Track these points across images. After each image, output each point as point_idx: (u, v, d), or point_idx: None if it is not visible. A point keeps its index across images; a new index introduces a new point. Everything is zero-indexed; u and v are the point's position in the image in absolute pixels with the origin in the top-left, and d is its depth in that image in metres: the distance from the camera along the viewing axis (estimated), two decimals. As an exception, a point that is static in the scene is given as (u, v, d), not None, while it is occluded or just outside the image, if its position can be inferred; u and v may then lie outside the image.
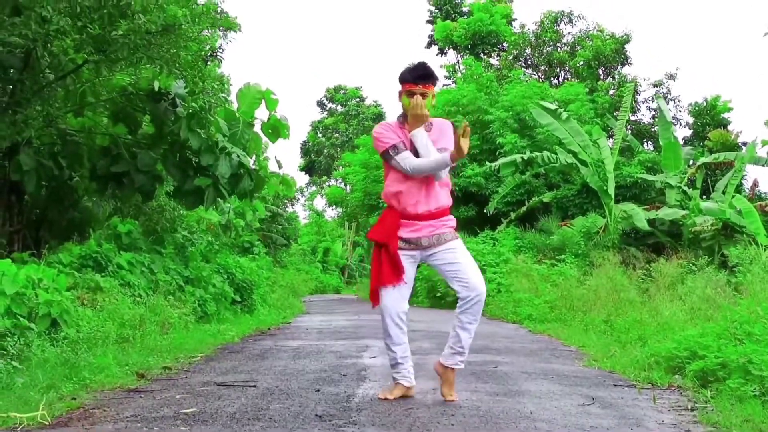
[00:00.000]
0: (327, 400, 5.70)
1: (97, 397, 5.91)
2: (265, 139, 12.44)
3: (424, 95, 5.80)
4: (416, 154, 5.78)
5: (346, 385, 6.47)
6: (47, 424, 4.82)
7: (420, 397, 5.93)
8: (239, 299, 14.78)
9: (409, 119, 5.88)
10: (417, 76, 5.84)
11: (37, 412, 4.90)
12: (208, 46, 11.29)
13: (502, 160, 22.35)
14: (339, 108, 61.77)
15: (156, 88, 11.01)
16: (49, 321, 7.74)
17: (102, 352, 7.52)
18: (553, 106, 22.36)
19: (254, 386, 6.41)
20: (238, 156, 11.79)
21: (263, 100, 12.61)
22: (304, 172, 62.03)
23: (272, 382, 6.67)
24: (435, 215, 5.85)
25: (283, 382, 6.63)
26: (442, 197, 5.91)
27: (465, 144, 5.60)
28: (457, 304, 5.84)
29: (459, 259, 5.80)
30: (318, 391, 6.14)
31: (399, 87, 5.92)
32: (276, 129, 12.62)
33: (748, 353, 6.18)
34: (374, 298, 5.91)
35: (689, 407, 5.81)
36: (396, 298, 5.81)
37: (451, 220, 5.97)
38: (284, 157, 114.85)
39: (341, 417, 5.05)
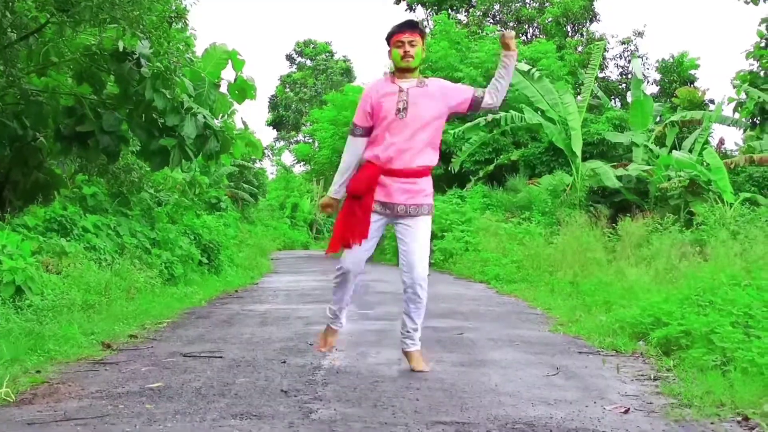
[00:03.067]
0: (293, 373, 5.71)
1: (62, 370, 5.88)
2: (232, 100, 12.32)
3: (412, 43, 5.73)
4: (393, 107, 5.70)
5: (312, 356, 6.47)
6: (11, 401, 4.80)
7: (386, 368, 5.96)
8: (206, 261, 14.74)
9: (398, 72, 5.83)
10: (403, 25, 5.81)
11: (1, 389, 4.87)
12: (173, 7, 11.11)
13: (467, 125, 22.33)
14: (308, 62, 61.38)
15: (120, 49, 10.84)
16: (13, 288, 7.68)
17: (67, 320, 7.48)
18: (525, 68, 22.29)
19: (220, 357, 6.41)
20: (204, 117, 11.66)
21: (230, 61, 12.48)
22: (271, 127, 61.73)
23: (238, 352, 6.67)
24: (416, 173, 5.77)
25: (249, 353, 6.64)
26: (426, 156, 5.80)
27: (511, 45, 5.79)
28: (403, 287, 5.87)
29: (411, 240, 5.78)
30: (284, 362, 6.15)
31: (387, 48, 5.87)
32: (243, 90, 12.49)
33: (710, 323, 6.25)
34: (334, 246, 5.88)
35: (652, 376, 5.88)
36: (356, 259, 5.82)
37: (430, 187, 5.90)
38: (252, 112, 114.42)
39: (307, 392, 5.07)
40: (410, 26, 5.81)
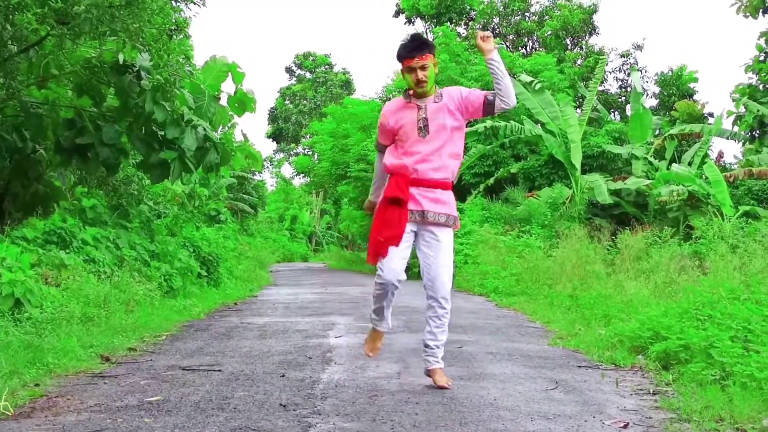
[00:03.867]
0: (292, 387, 5.70)
1: (60, 383, 5.87)
2: (232, 113, 12.34)
3: (423, 67, 5.72)
4: (414, 129, 5.74)
5: (311, 369, 6.47)
6: (10, 414, 4.79)
7: (385, 382, 5.96)
8: (205, 273, 14.74)
9: (414, 92, 5.83)
10: (411, 49, 5.78)
11: (0, 402, 4.86)
12: (174, 20, 11.13)
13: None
14: (307, 75, 61.47)
15: (120, 61, 10.85)
16: (12, 301, 7.68)
17: (66, 333, 7.47)
18: (528, 79, 22.34)
19: (219, 371, 6.40)
20: (204, 129, 11.68)
21: (230, 73, 12.50)
22: (271, 139, 61.78)
23: (237, 365, 6.67)
24: (438, 184, 5.78)
25: (248, 366, 6.63)
26: (448, 168, 5.82)
27: (484, 46, 5.79)
28: (427, 302, 5.88)
29: (436, 252, 5.78)
30: (283, 376, 6.14)
31: (400, 66, 5.88)
32: (243, 103, 12.51)
33: (709, 338, 6.24)
34: (372, 254, 5.84)
35: (651, 391, 5.87)
36: (394, 268, 5.74)
37: (453, 200, 5.90)
38: (251, 125, 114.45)
39: (305, 406, 5.06)
40: (419, 48, 5.77)
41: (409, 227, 5.78)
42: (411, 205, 5.75)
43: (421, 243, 5.85)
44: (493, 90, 5.85)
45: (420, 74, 5.72)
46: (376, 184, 6.08)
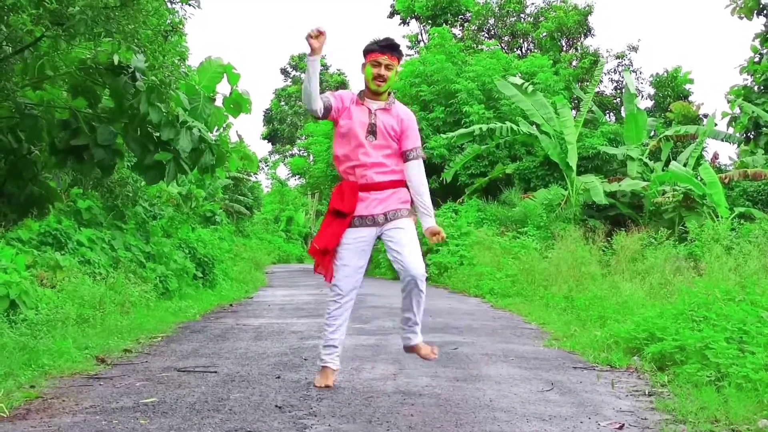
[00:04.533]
0: (287, 388, 5.70)
1: (56, 384, 5.86)
2: (227, 114, 12.32)
3: (388, 66, 5.77)
4: (363, 132, 5.77)
5: (306, 371, 6.47)
6: (5, 416, 4.78)
7: (380, 384, 5.96)
8: (201, 274, 14.73)
9: (367, 91, 5.86)
10: (384, 45, 5.81)
11: (-5, 404, 4.86)
12: (168, 21, 11.12)
13: (459, 131, 22.37)
14: (303, 76, 61.43)
15: (115, 62, 10.83)
16: (7, 302, 7.67)
17: (61, 334, 7.47)
18: (519, 81, 22.38)
19: (215, 372, 6.40)
20: (199, 130, 11.64)
21: (225, 74, 12.47)
22: (266, 141, 61.73)
23: (233, 367, 6.66)
24: (391, 185, 5.83)
25: (243, 368, 6.63)
26: (397, 170, 5.87)
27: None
28: (403, 285, 5.84)
29: (399, 241, 5.77)
30: (278, 377, 6.14)
31: (363, 59, 5.88)
32: (238, 104, 12.47)
33: (705, 339, 6.25)
34: (316, 254, 5.87)
35: (647, 392, 5.88)
36: (349, 279, 5.78)
37: (405, 195, 5.93)
38: (247, 126, 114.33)
39: (301, 407, 5.06)
40: (390, 48, 5.82)
41: (365, 236, 5.80)
42: (361, 211, 5.79)
43: (383, 241, 5.88)
44: (415, 188, 5.91)
45: (383, 71, 5.77)
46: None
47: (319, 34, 5.63)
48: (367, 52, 5.84)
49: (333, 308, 5.81)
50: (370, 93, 5.86)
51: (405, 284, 5.79)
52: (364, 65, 5.87)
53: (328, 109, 5.78)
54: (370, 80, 5.80)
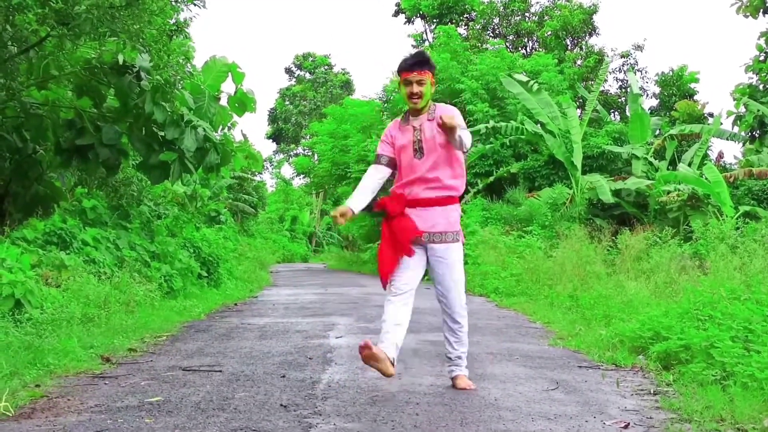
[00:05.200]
0: (292, 388, 5.70)
1: (61, 383, 5.87)
2: (232, 113, 12.33)
3: (420, 82, 5.76)
4: (410, 152, 5.79)
5: (311, 370, 6.48)
6: (10, 415, 4.79)
7: (386, 383, 5.95)
8: (206, 274, 14.74)
9: (410, 111, 5.89)
10: (412, 63, 5.80)
11: (0, 403, 4.86)
12: (173, 21, 11.13)
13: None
14: (307, 75, 61.47)
15: (120, 62, 10.84)
16: (12, 302, 7.68)
17: (66, 334, 7.47)
18: (524, 78, 22.37)
19: (219, 371, 6.41)
20: (204, 130, 11.66)
21: (229, 74, 12.49)
22: (271, 140, 61.76)
23: (238, 366, 6.67)
24: (438, 202, 5.81)
25: (248, 367, 6.63)
26: (448, 186, 5.83)
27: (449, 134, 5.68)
28: (443, 316, 5.91)
29: (442, 269, 5.80)
30: (283, 377, 6.14)
31: (399, 79, 5.90)
32: (243, 103, 12.50)
33: (710, 338, 6.24)
34: (384, 274, 5.85)
35: (652, 391, 5.87)
36: (406, 278, 5.81)
37: (454, 216, 5.89)
38: (251, 125, 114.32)
39: (306, 406, 5.06)
40: (418, 64, 5.81)
41: (417, 248, 5.80)
42: None
43: (430, 260, 5.88)
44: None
45: (415, 88, 5.77)
46: (359, 191, 5.94)
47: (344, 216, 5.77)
48: (400, 72, 5.86)
49: (386, 302, 5.89)
50: (412, 112, 5.89)
51: (442, 315, 5.91)
52: (399, 85, 5.90)
53: (391, 163, 5.92)
54: (406, 99, 5.83)
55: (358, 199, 5.89)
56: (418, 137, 5.79)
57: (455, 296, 5.81)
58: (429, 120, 5.82)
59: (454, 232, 5.85)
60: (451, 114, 5.79)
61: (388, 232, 5.85)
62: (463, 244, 6.00)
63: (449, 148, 5.78)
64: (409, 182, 5.80)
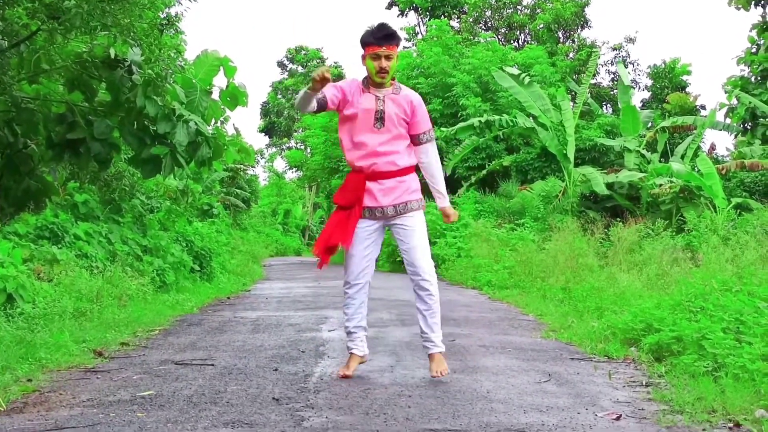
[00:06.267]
0: (285, 381, 5.70)
1: (53, 378, 5.86)
2: (223, 107, 12.29)
3: (388, 57, 5.73)
4: (370, 119, 5.76)
5: (304, 363, 6.48)
6: (2, 410, 4.78)
7: (378, 376, 5.95)
8: (198, 268, 14.72)
9: (371, 81, 5.85)
10: (380, 37, 5.75)
11: (-8, 398, 4.86)
12: (164, 15, 11.10)
13: (459, 125, 22.35)
14: (300, 69, 61.36)
15: (112, 56, 10.80)
16: (4, 296, 7.67)
17: (58, 328, 7.46)
18: (516, 72, 22.38)
19: (212, 365, 6.40)
20: (196, 124, 11.62)
21: (221, 67, 12.44)
22: (263, 134, 61.69)
23: (230, 360, 6.66)
24: (401, 172, 5.83)
25: (241, 360, 6.63)
26: (407, 156, 5.88)
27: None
28: (413, 287, 5.91)
29: (412, 241, 5.81)
30: (276, 370, 6.14)
31: (361, 51, 5.84)
32: (234, 97, 12.44)
33: (702, 329, 6.25)
34: (321, 254, 5.91)
35: (644, 383, 5.88)
36: (358, 268, 5.87)
37: (416, 183, 5.94)
38: (244, 119, 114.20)
39: (298, 400, 5.06)
40: (387, 38, 5.77)
41: (372, 225, 5.84)
42: (369, 202, 5.81)
43: (392, 232, 5.93)
44: (427, 166, 6.01)
45: (384, 63, 5.74)
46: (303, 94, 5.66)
47: (325, 79, 5.49)
48: (365, 44, 5.80)
49: (345, 298, 5.99)
50: (375, 84, 5.85)
51: (413, 285, 5.88)
52: (364, 57, 5.82)
53: (322, 104, 5.73)
54: (374, 74, 5.78)
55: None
56: (381, 107, 5.77)
57: (425, 262, 5.80)
58: (394, 94, 5.83)
59: (417, 200, 5.91)
60: (421, 104, 5.97)
61: (336, 220, 5.87)
62: (424, 210, 6.01)
63: (408, 126, 5.87)
64: (367, 155, 5.77)
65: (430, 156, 5.98)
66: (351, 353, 5.95)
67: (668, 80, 30.75)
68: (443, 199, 6.04)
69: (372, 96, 5.81)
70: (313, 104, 5.68)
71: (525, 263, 15.09)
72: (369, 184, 5.80)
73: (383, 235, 6.00)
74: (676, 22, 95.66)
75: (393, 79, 5.92)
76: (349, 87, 5.87)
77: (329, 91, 5.75)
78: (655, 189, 18.52)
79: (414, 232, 5.84)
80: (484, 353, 7.16)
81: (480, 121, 21.75)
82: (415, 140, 5.93)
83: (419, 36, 35.02)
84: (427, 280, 5.81)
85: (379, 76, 5.76)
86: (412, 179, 5.92)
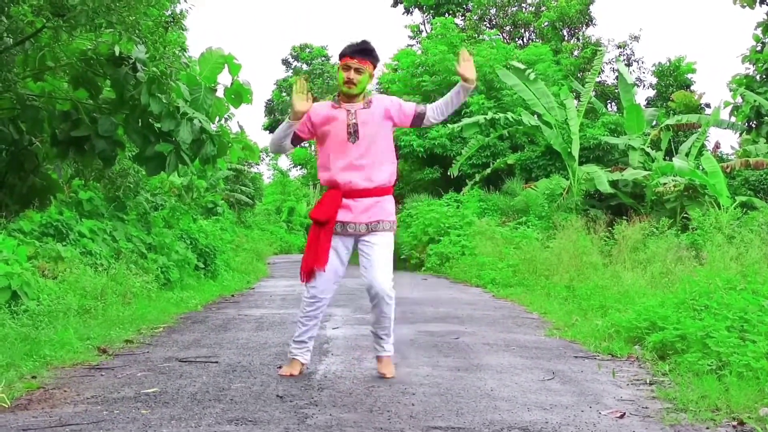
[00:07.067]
0: (288, 378, 5.71)
1: (57, 375, 5.87)
2: (228, 105, 12.30)
3: (358, 70, 5.74)
4: (343, 133, 5.75)
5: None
6: (6, 407, 4.79)
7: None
8: (202, 265, 14.73)
9: (342, 96, 5.85)
10: (355, 50, 5.79)
11: (-4, 394, 4.87)
12: (168, 12, 11.10)
13: (464, 121, 22.33)
14: (304, 67, 61.36)
15: (116, 53, 10.80)
16: (9, 293, 7.68)
17: (63, 325, 7.47)
18: (521, 66, 22.36)
19: (216, 362, 6.41)
20: (200, 121, 11.63)
21: (226, 65, 12.44)
22: (268, 131, 61.70)
23: (234, 357, 6.67)
24: (377, 191, 5.81)
25: (245, 358, 6.64)
26: (384, 173, 5.85)
27: (466, 68, 5.90)
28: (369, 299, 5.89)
29: (372, 254, 5.76)
30: (280, 368, 6.14)
31: (338, 64, 5.88)
32: (239, 94, 12.45)
33: (706, 328, 6.25)
34: (306, 275, 5.85)
35: (648, 381, 5.89)
36: (326, 284, 5.82)
37: (391, 206, 5.94)
38: (248, 116, 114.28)
39: (302, 397, 5.07)
40: (362, 52, 5.80)
41: (344, 243, 5.81)
42: (343, 217, 5.78)
43: (359, 248, 5.89)
44: (435, 103, 5.98)
45: (352, 75, 5.75)
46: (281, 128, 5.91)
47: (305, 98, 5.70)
48: (341, 56, 5.84)
49: (308, 310, 5.89)
50: (345, 97, 5.84)
51: (370, 298, 5.82)
52: (338, 68, 5.87)
53: (295, 138, 5.88)
54: (341, 83, 5.79)
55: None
56: (354, 120, 5.76)
57: (384, 280, 5.72)
58: (364, 108, 5.81)
59: (390, 221, 5.88)
60: (396, 99, 6.03)
61: (314, 238, 5.83)
62: (395, 233, 6.00)
63: (383, 136, 5.84)
64: (344, 168, 5.75)
65: (434, 110, 5.97)
66: (294, 359, 5.93)
67: (673, 78, 30.73)
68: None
69: (343, 111, 5.80)
70: (287, 142, 5.86)
71: (529, 261, 15.08)
72: (345, 200, 5.77)
73: (350, 254, 5.94)
74: (681, 20, 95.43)
75: (364, 96, 5.89)
76: (315, 110, 5.87)
77: (303, 131, 5.87)
78: (660, 187, 18.50)
79: (379, 248, 5.77)
80: (488, 351, 7.16)
81: (485, 118, 21.73)
82: (418, 119, 5.95)
83: (423, 34, 34.99)
84: (386, 303, 5.76)
85: (346, 86, 5.75)
86: (388, 201, 5.90)
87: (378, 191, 5.81)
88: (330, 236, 5.76)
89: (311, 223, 5.92)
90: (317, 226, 5.82)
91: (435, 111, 5.95)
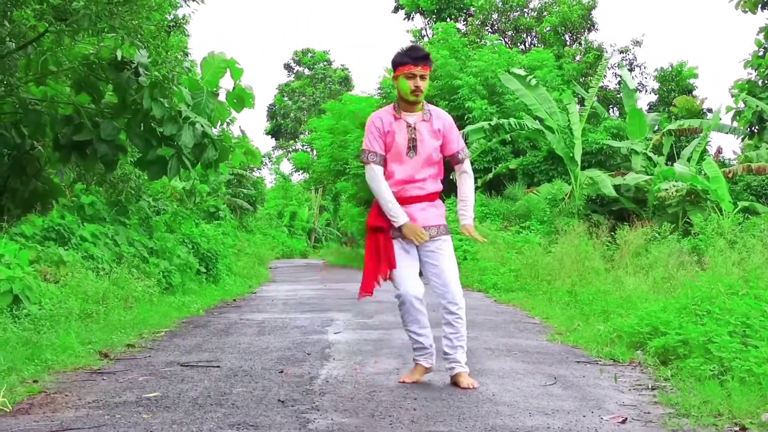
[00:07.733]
0: (290, 383, 5.71)
1: (59, 379, 5.88)
2: (230, 109, 12.30)
3: (423, 77, 5.72)
4: (404, 148, 5.73)
5: (309, 365, 6.48)
6: (8, 411, 4.79)
7: (383, 378, 5.96)
8: (204, 270, 14.74)
9: (403, 103, 5.83)
10: (416, 57, 5.74)
11: (-2, 398, 4.87)
12: (171, 17, 11.12)
13: (469, 128, 22.31)
14: (306, 71, 61.45)
15: (119, 58, 10.81)
16: (11, 297, 7.68)
17: (65, 329, 7.48)
18: (522, 73, 22.36)
19: (218, 367, 6.41)
20: (202, 126, 11.62)
21: (228, 69, 12.45)
22: (270, 136, 61.76)
23: (236, 362, 6.67)
24: (428, 198, 5.84)
25: (246, 362, 6.64)
26: (435, 183, 5.90)
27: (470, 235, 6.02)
28: (441, 311, 5.82)
29: (443, 264, 5.77)
30: (281, 372, 6.15)
31: (393, 72, 5.82)
32: (241, 99, 12.45)
33: (708, 333, 6.24)
34: (367, 286, 5.80)
35: (650, 386, 5.87)
36: (408, 280, 5.76)
37: (443, 209, 5.98)
38: (250, 121, 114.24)
39: (304, 402, 5.07)
40: (424, 59, 5.76)
41: (406, 246, 5.79)
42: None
43: (422, 256, 5.85)
44: (462, 191, 6.08)
45: (420, 82, 5.71)
46: (390, 201, 5.74)
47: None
48: (399, 64, 5.77)
49: (401, 314, 5.88)
50: (406, 105, 5.82)
51: (443, 307, 5.79)
52: (396, 77, 5.80)
53: (381, 162, 5.80)
54: (408, 93, 5.73)
55: (396, 209, 5.78)
56: (413, 135, 5.76)
57: (455, 286, 5.77)
58: (424, 121, 5.81)
59: (445, 225, 5.90)
60: (452, 123, 5.97)
61: (374, 246, 5.82)
62: (451, 237, 6.02)
63: (437, 149, 5.84)
64: (400, 181, 5.77)
65: (470, 172, 6.04)
66: (417, 364, 5.89)
67: (675, 83, 30.70)
68: (468, 218, 6.03)
69: (403, 123, 5.78)
70: (379, 171, 5.77)
71: (531, 266, 15.07)
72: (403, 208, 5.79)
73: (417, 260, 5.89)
74: (683, 25, 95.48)
75: (422, 105, 5.88)
76: (382, 123, 5.82)
77: (377, 145, 5.78)
78: (662, 192, 18.48)
79: (445, 255, 5.81)
80: (490, 356, 7.16)
81: (489, 124, 21.72)
82: (455, 159, 5.96)
83: (425, 39, 34.99)
84: (457, 304, 5.76)
85: (414, 95, 5.73)
86: (439, 204, 5.96)
87: (429, 197, 5.86)
88: (390, 240, 5.76)
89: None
90: (373, 233, 5.82)
91: (463, 182, 6.06)
